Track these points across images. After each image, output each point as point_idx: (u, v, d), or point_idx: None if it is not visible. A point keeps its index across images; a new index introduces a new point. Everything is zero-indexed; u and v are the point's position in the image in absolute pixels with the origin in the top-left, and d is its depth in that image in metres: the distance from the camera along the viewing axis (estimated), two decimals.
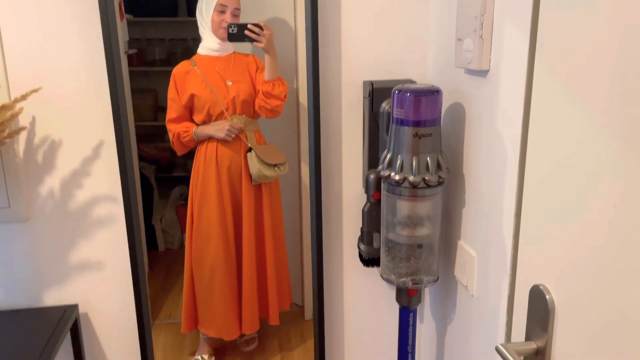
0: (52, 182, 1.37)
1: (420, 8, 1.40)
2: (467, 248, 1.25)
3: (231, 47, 1.59)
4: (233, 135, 1.55)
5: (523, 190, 0.98)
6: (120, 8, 2.14)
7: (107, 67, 1.25)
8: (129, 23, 2.37)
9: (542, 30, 0.89)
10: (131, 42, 2.58)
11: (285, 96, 1.52)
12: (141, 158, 2.47)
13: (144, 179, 2.42)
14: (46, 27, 1.29)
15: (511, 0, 0.99)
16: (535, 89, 0.92)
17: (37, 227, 1.39)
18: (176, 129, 1.59)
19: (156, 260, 2.27)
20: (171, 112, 1.58)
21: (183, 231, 1.94)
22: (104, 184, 1.39)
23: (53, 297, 1.44)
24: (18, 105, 1.19)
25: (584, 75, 0.76)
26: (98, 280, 1.45)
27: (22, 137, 1.32)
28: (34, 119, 1.32)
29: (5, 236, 1.38)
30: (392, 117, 1.20)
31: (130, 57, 2.49)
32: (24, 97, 1.16)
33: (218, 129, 1.54)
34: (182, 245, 1.74)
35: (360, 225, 1.46)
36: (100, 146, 1.36)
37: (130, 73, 2.23)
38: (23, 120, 1.31)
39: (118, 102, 1.28)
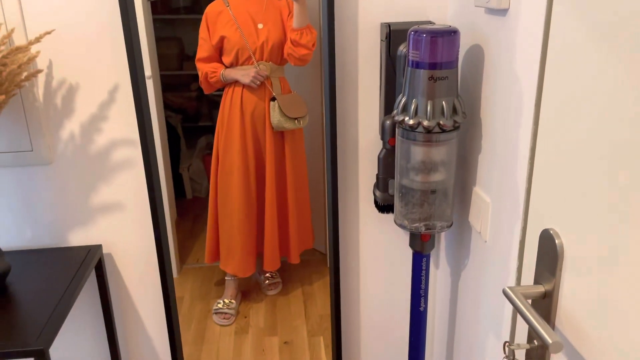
0: (72, 126, 1.39)
1: None
2: (481, 194, 1.23)
3: None
4: (258, 82, 1.55)
5: (537, 135, 0.96)
6: None
7: (120, 9, 1.24)
8: None
9: None
10: None
11: (313, 45, 1.49)
12: (167, 107, 2.49)
13: (170, 128, 2.45)
14: None
15: None
16: (553, 27, 0.88)
17: (60, 169, 1.43)
18: (205, 69, 1.60)
19: (184, 207, 2.34)
20: (201, 52, 1.59)
21: (210, 179, 1.97)
22: (122, 127, 1.41)
23: (77, 238, 1.50)
24: (34, 48, 1.20)
25: (603, 15, 0.71)
26: (120, 222, 1.50)
27: (41, 81, 1.34)
28: (50, 62, 1.33)
29: (29, 179, 1.43)
30: (408, 60, 1.17)
31: (154, 5, 2.47)
32: (37, 39, 1.17)
33: (244, 74, 1.55)
34: (209, 193, 1.77)
35: (376, 172, 1.45)
36: (116, 90, 1.37)
37: (155, 21, 2.21)
38: (40, 64, 1.32)
39: (132, 45, 1.28)
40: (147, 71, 1.67)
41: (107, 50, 1.34)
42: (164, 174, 1.72)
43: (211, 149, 1.72)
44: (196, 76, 1.99)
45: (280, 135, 1.62)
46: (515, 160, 1.05)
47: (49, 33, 1.21)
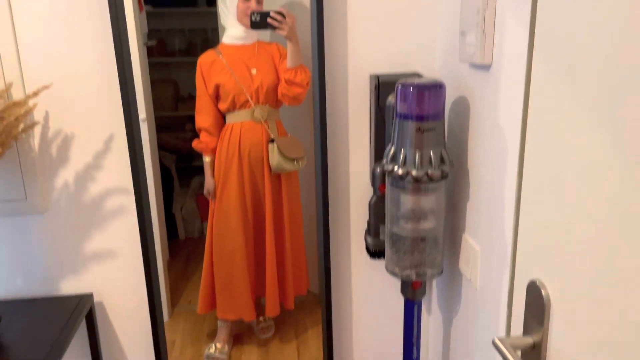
0: (66, 175, 1.41)
1: (427, 1, 1.39)
2: (471, 241, 1.25)
3: (255, 35, 1.60)
4: (208, 196, 1.65)
5: (522, 185, 0.98)
6: (139, 0, 2.18)
7: (117, 62, 1.28)
8: (149, 14, 2.39)
9: (540, 24, 0.89)
10: (151, 33, 2.60)
11: (307, 83, 1.52)
12: (162, 148, 2.51)
13: (164, 168, 2.46)
14: (59, 24, 1.32)
15: None
16: (534, 82, 0.92)
17: (53, 218, 1.44)
18: (200, 134, 1.63)
19: (177, 248, 2.30)
20: (199, 103, 1.63)
21: (203, 220, 1.98)
22: (116, 176, 1.43)
23: (69, 286, 1.49)
24: (31, 102, 1.23)
25: (580, 69, 0.75)
26: (112, 270, 1.50)
27: (37, 131, 1.37)
28: (47, 113, 1.36)
29: (23, 227, 1.43)
30: (396, 112, 1.21)
31: (149, 49, 2.52)
32: (35, 94, 1.20)
33: (208, 184, 1.65)
34: (202, 234, 1.78)
35: (367, 218, 1.47)
36: (111, 140, 1.40)
37: (151, 64, 2.25)
38: (37, 115, 1.35)
39: (128, 96, 1.31)
40: (142, 114, 1.69)
41: (103, 101, 1.37)
42: (156, 214, 1.72)
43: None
44: (190, 117, 2.02)
45: (277, 177, 1.64)
46: (503, 208, 1.08)
47: (47, 87, 1.24)
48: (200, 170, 2.43)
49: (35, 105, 1.26)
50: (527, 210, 0.96)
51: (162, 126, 2.55)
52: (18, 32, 1.30)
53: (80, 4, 1.31)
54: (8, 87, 1.22)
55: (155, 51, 2.80)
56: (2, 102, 1.21)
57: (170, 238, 2.25)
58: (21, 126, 1.22)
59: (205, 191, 1.68)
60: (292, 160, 1.59)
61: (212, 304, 1.73)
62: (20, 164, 1.37)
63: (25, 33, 1.31)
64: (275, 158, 1.58)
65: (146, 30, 2.27)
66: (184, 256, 2.27)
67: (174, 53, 2.93)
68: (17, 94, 1.31)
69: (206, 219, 1.71)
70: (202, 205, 1.86)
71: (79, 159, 1.41)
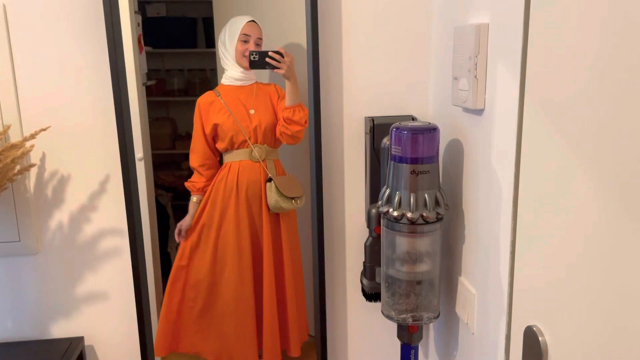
0: (61, 216, 1.41)
1: (420, 46, 1.43)
2: (467, 285, 1.24)
3: (254, 76, 1.63)
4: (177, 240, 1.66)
5: (517, 228, 0.98)
6: (139, 41, 2.21)
7: (115, 105, 1.30)
8: (149, 55, 2.43)
9: (531, 71, 0.91)
10: (150, 73, 2.64)
11: (305, 122, 1.54)
12: (158, 186, 2.51)
13: (160, 206, 2.46)
14: (58, 67, 1.34)
15: (503, 42, 1.01)
16: (526, 127, 0.93)
17: (46, 259, 1.43)
18: (194, 171, 1.64)
19: None
20: (193, 142, 1.64)
21: None
22: (111, 217, 1.43)
23: (60, 329, 1.47)
24: (28, 143, 1.23)
25: (571, 115, 0.76)
26: (104, 313, 1.47)
27: (33, 172, 1.37)
28: (44, 154, 1.36)
29: (15, 269, 1.42)
30: (390, 154, 1.22)
31: (149, 88, 2.55)
32: (33, 136, 1.21)
33: (185, 221, 1.66)
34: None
35: (363, 259, 1.46)
36: (107, 181, 1.40)
37: (149, 103, 2.27)
38: (34, 156, 1.36)
39: (125, 139, 1.32)
40: (139, 152, 1.68)
41: (100, 142, 1.39)
42: (151, 253, 1.71)
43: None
44: (187, 155, 2.02)
45: (276, 217, 1.64)
46: (498, 252, 1.07)
47: (44, 130, 1.25)
48: None
49: (32, 146, 1.27)
50: (522, 255, 0.96)
51: (159, 164, 2.55)
52: (17, 75, 1.32)
53: (80, 48, 1.34)
54: (6, 130, 1.22)
55: (154, 90, 2.83)
56: (0, 144, 1.22)
57: (165, 277, 2.26)
58: (17, 168, 1.22)
59: (177, 229, 1.66)
60: (291, 199, 1.59)
61: (176, 344, 1.67)
62: (14, 204, 1.36)
63: (24, 76, 1.33)
64: (272, 197, 1.58)
65: (145, 70, 2.30)
66: None
67: (172, 92, 2.96)
68: (14, 136, 1.31)
69: None
70: None
71: (74, 199, 1.41)
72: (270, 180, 1.58)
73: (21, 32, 1.31)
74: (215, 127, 1.60)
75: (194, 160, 1.62)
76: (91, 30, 1.33)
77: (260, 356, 1.67)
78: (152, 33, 2.82)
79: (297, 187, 1.60)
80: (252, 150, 1.59)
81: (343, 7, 1.39)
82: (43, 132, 1.27)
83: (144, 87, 2.20)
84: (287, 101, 1.53)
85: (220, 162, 1.66)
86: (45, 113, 1.35)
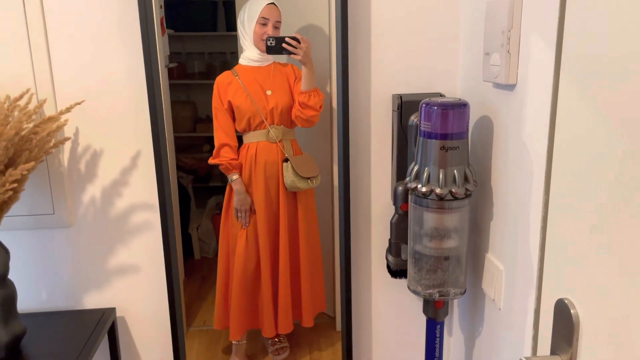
0: (93, 190, 1.44)
1: (449, 22, 1.42)
2: (494, 261, 1.25)
3: (271, 57, 1.64)
4: (241, 216, 1.64)
5: (549, 204, 0.98)
6: (162, 24, 2.23)
7: (146, 82, 1.32)
8: (170, 37, 2.45)
9: (567, 46, 0.90)
10: (172, 56, 2.66)
11: (320, 107, 1.56)
12: (179, 168, 2.54)
13: (181, 188, 2.49)
14: (91, 45, 1.36)
15: (537, 16, 1.00)
16: (561, 103, 0.93)
17: (79, 232, 1.46)
18: (222, 150, 1.64)
19: (192, 268, 2.34)
20: (216, 120, 1.65)
21: (219, 240, 1.99)
22: (142, 192, 1.45)
23: (92, 300, 1.51)
24: (63, 117, 1.26)
25: (610, 91, 0.76)
26: (134, 285, 1.51)
27: (67, 147, 1.40)
28: (77, 130, 1.39)
29: (49, 241, 1.46)
30: (420, 130, 1.22)
31: (170, 70, 2.57)
32: (68, 110, 1.23)
33: (242, 200, 1.64)
34: (217, 254, 1.79)
35: (389, 237, 1.47)
36: (138, 156, 1.43)
37: (171, 86, 2.30)
38: (68, 131, 1.39)
39: (156, 115, 1.34)
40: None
41: (131, 118, 1.41)
42: (173, 234, 1.76)
43: (221, 209, 1.75)
44: (208, 138, 2.03)
45: (293, 195, 1.66)
46: (528, 228, 1.07)
47: (79, 104, 1.27)
48: (217, 190, 2.45)
49: (66, 121, 1.30)
50: (554, 230, 0.96)
51: (180, 147, 2.58)
52: (52, 51, 1.35)
53: (112, 26, 1.36)
54: (41, 104, 1.25)
55: (175, 73, 2.86)
56: (36, 118, 1.25)
57: (186, 258, 2.28)
58: (52, 141, 1.25)
59: (242, 210, 1.66)
60: (306, 179, 1.61)
61: (227, 320, 1.74)
62: (49, 178, 1.40)
63: (59, 52, 1.36)
64: (289, 177, 1.60)
65: (168, 52, 2.32)
66: (200, 276, 2.30)
67: (193, 75, 2.98)
68: (48, 110, 1.34)
69: None
70: (218, 226, 1.88)
71: (106, 174, 1.44)
72: (286, 160, 1.60)
73: (55, 9, 1.33)
74: (234, 107, 1.61)
75: (224, 137, 1.63)
76: (124, 7, 1.34)
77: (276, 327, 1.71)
78: (173, 16, 2.84)
79: (313, 167, 1.62)
80: (269, 131, 1.61)
81: None
82: (76, 108, 1.30)
83: (166, 70, 2.23)
84: (303, 86, 1.55)
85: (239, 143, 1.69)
86: (79, 89, 1.37)
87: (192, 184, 2.58)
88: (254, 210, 1.65)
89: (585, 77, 0.83)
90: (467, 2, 1.37)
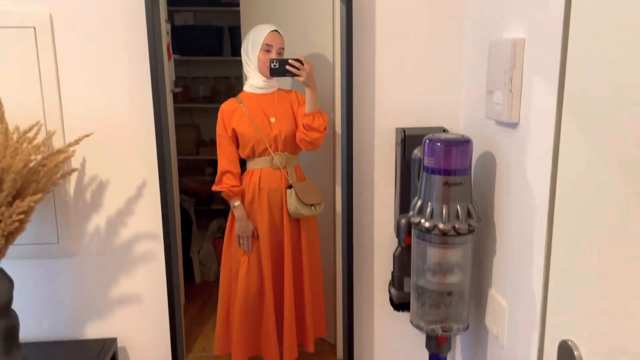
0: (98, 220, 1.45)
1: (453, 59, 1.44)
2: (497, 297, 1.24)
3: (276, 84, 1.66)
4: (243, 242, 1.64)
5: (552, 243, 0.99)
6: (168, 49, 2.26)
7: (154, 116, 1.34)
8: (176, 62, 2.49)
9: (570, 86, 0.91)
10: (177, 80, 2.69)
11: (325, 128, 1.57)
12: (182, 191, 2.54)
13: (183, 211, 2.50)
14: (99, 77, 1.39)
15: (540, 56, 1.02)
16: (563, 142, 0.94)
17: (83, 262, 1.47)
18: (225, 177, 1.65)
19: (192, 291, 2.33)
20: (220, 148, 1.66)
21: (219, 263, 1.99)
22: (146, 222, 1.46)
23: (94, 330, 1.50)
24: (71, 149, 1.28)
25: (609, 132, 0.77)
26: (136, 315, 1.51)
27: (73, 176, 1.41)
28: (84, 160, 1.41)
29: (53, 270, 1.46)
30: (423, 165, 1.23)
31: (175, 94, 2.60)
32: (77, 142, 1.25)
33: (244, 227, 1.63)
34: (218, 278, 1.78)
35: (392, 269, 1.47)
36: (144, 186, 1.44)
37: (175, 109, 2.31)
38: (75, 161, 1.40)
39: (163, 148, 1.36)
40: None
41: (138, 148, 1.42)
42: (177, 264, 1.73)
43: (222, 232, 1.75)
44: (210, 161, 2.04)
45: (296, 221, 1.67)
46: (531, 265, 1.08)
47: (87, 136, 1.29)
48: (218, 213, 2.46)
49: (74, 152, 1.31)
50: (557, 269, 0.96)
51: (183, 169, 2.59)
52: (61, 82, 1.37)
53: (121, 55, 1.38)
54: (50, 136, 1.27)
55: (180, 97, 2.89)
56: (44, 150, 1.26)
57: (187, 281, 2.28)
58: (60, 172, 1.27)
59: (244, 236, 1.66)
60: (310, 205, 1.62)
61: (229, 345, 1.72)
62: (55, 207, 1.41)
63: (68, 83, 1.38)
64: (292, 203, 1.61)
65: (174, 77, 2.35)
66: (200, 300, 2.27)
67: (197, 99, 3.01)
68: (57, 141, 1.36)
69: None
70: (219, 249, 1.88)
71: (111, 204, 1.44)
72: (290, 187, 1.61)
73: (66, 41, 1.36)
74: (237, 134, 1.63)
75: (227, 164, 1.64)
76: (132, 38, 1.37)
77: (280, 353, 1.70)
78: (179, 41, 2.90)
79: (316, 193, 1.63)
80: (273, 158, 1.62)
81: (377, 20, 1.41)
82: (85, 138, 1.31)
83: (171, 94, 2.25)
84: (307, 108, 1.57)
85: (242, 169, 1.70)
86: (86, 120, 1.39)
87: (194, 207, 2.58)
88: (257, 236, 1.66)
89: (587, 117, 0.85)
90: (471, 42, 1.40)
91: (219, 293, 1.72)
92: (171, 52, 2.35)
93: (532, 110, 1.06)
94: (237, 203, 1.65)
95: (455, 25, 1.42)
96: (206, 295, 2.32)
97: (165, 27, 2.03)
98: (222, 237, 1.73)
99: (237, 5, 2.12)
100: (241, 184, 1.66)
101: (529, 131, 1.08)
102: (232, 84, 2.70)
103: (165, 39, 2.11)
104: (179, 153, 2.36)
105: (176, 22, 3.14)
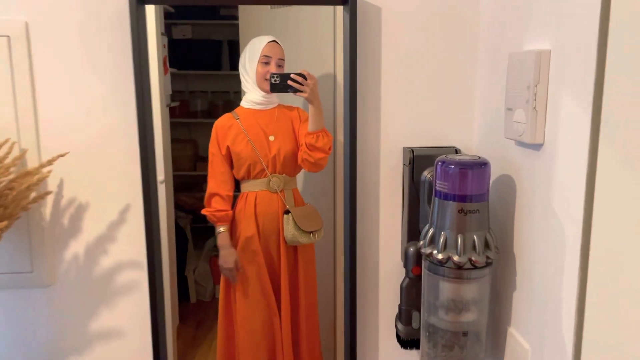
0: (77, 247, 1.33)
1: (466, 73, 1.33)
2: (518, 338, 1.11)
3: (276, 100, 1.54)
4: (226, 274, 1.52)
5: (587, 282, 0.86)
6: (164, 63, 2.18)
7: (139, 135, 1.23)
8: (173, 76, 2.42)
9: (609, 103, 0.80)
10: (174, 94, 2.62)
11: (330, 148, 1.44)
12: (178, 207, 2.46)
13: (179, 229, 2.40)
14: (80, 89, 1.28)
15: (570, 70, 0.91)
16: (601, 168, 0.82)
17: (60, 292, 1.34)
18: (212, 200, 1.53)
19: (187, 311, 2.24)
20: (212, 168, 1.53)
21: (216, 283, 1.89)
22: (130, 249, 1.34)
23: None
24: (45, 169, 1.16)
25: None
26: (117, 351, 1.38)
27: (50, 199, 1.29)
28: (62, 181, 1.29)
29: (27, 301, 1.34)
30: (435, 190, 1.11)
31: (172, 109, 2.52)
32: (50, 162, 1.13)
33: (227, 256, 1.50)
34: (214, 297, 1.68)
35: (398, 302, 1.35)
36: (127, 210, 1.32)
37: (172, 124, 2.25)
38: (51, 183, 1.28)
39: (148, 169, 1.25)
40: (161, 175, 1.64)
41: (121, 170, 1.31)
42: (169, 277, 1.61)
43: (218, 250, 1.62)
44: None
45: (293, 249, 1.54)
46: (559, 305, 0.95)
47: (62, 156, 1.17)
48: (215, 231, 2.35)
49: (49, 172, 1.19)
50: (593, 312, 0.84)
51: (179, 185, 2.51)
52: (37, 96, 1.26)
53: (104, 69, 1.27)
54: (22, 155, 1.15)
55: (177, 111, 2.81)
56: (15, 170, 1.14)
57: (181, 301, 2.16)
58: (32, 195, 1.15)
59: (226, 267, 1.54)
60: (308, 233, 1.48)
61: None
62: (29, 233, 1.28)
63: (45, 97, 1.27)
64: (290, 230, 1.47)
65: (170, 91, 2.27)
66: (195, 321, 2.18)
67: (195, 114, 2.95)
68: (32, 162, 1.24)
69: (219, 282, 1.60)
70: (216, 268, 1.77)
71: (91, 229, 1.33)
72: (287, 212, 1.48)
73: (43, 50, 1.25)
74: (232, 152, 1.50)
75: (215, 186, 1.52)
76: (116, 51, 1.26)
77: None
78: (177, 55, 2.82)
79: (316, 219, 1.50)
80: (270, 180, 1.49)
81: (383, 33, 1.30)
82: (63, 159, 1.20)
83: (167, 109, 2.16)
84: (310, 126, 1.44)
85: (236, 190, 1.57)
86: (65, 138, 1.28)
87: (191, 224, 2.49)
88: (239, 268, 1.52)
89: (631, 140, 0.73)
90: (486, 54, 1.29)
91: (219, 315, 1.58)
92: (168, 65, 2.27)
93: (560, 129, 0.95)
94: (221, 229, 1.52)
95: (468, 36, 1.32)
96: (202, 316, 2.22)
97: (161, 40, 1.95)
98: (218, 255, 1.60)
99: (237, 18, 2.05)
100: (232, 208, 1.53)
101: (556, 153, 0.96)
102: (231, 99, 2.63)
103: (162, 52, 2.03)
104: (175, 168, 2.27)
105: (174, 35, 3.09)
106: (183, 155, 2.73)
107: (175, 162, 2.34)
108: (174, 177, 2.21)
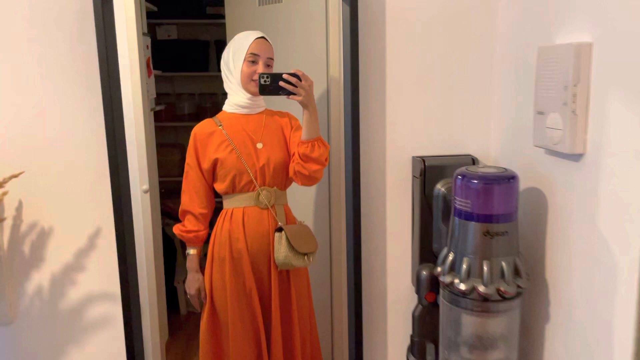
0: (40, 278, 1.20)
1: (482, 70, 1.22)
2: None
3: (263, 103, 1.36)
4: (193, 301, 1.38)
5: None
6: (148, 65, 2.06)
7: (108, 151, 1.10)
8: (157, 78, 2.32)
9: None
10: (160, 97, 2.50)
11: (326, 159, 1.28)
12: (165, 214, 2.34)
13: (167, 238, 2.27)
14: (41, 103, 1.15)
15: (616, 65, 0.77)
16: None
17: (21, 331, 1.22)
18: (186, 214, 1.36)
19: (177, 324, 2.24)
20: (186, 183, 1.36)
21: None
22: (101, 279, 1.22)
23: None
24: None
25: None
26: None
27: (7, 224, 1.16)
28: (20, 204, 1.16)
29: None
30: (454, 208, 0.98)
31: (157, 113, 2.41)
32: (2, 183, 0.99)
33: (193, 282, 1.36)
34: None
35: (410, 333, 1.22)
36: (97, 235, 1.19)
37: (157, 128, 2.14)
38: (9, 206, 1.15)
39: (120, 189, 1.12)
40: (145, 184, 1.57)
41: (90, 191, 1.18)
42: (156, 288, 1.58)
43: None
44: None
45: (285, 274, 1.36)
46: (610, 343, 0.82)
47: (16, 176, 1.04)
48: (205, 241, 2.25)
49: (5, 194, 1.05)
50: None
51: (166, 191, 2.40)
52: None
53: (67, 75, 1.14)
54: None
55: (163, 115, 2.71)
56: None
57: (170, 314, 2.14)
58: None
59: (191, 292, 1.38)
60: (303, 255, 1.31)
61: None
62: None
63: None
64: (282, 252, 1.29)
65: (154, 95, 2.16)
66: (185, 334, 2.17)
67: (182, 117, 2.88)
68: None
69: None
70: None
71: (56, 258, 1.20)
72: (280, 230, 1.31)
73: None
74: (215, 163, 1.32)
75: (189, 203, 1.34)
76: (82, 54, 1.13)
77: None
78: (162, 56, 2.74)
79: (311, 240, 1.32)
80: (259, 194, 1.31)
81: (387, 28, 1.19)
82: (22, 180, 1.07)
83: (152, 113, 2.05)
84: (304, 134, 1.26)
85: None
86: (23, 155, 1.15)
87: None
88: (204, 297, 1.36)
89: None
90: (506, 49, 1.15)
91: (201, 326, 1.42)
92: (151, 67, 2.16)
93: (606, 137, 0.81)
94: (192, 252, 1.36)
95: (484, 29, 1.20)
96: (192, 328, 2.22)
97: (143, 41, 1.83)
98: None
99: (223, 17, 1.94)
100: (204, 229, 1.36)
101: (601, 165, 0.83)
102: (219, 101, 2.57)
103: (144, 54, 1.90)
104: (161, 174, 2.18)
105: (158, 36, 2.99)
106: (170, 160, 2.62)
107: (162, 167, 2.23)
108: (161, 183, 2.10)
